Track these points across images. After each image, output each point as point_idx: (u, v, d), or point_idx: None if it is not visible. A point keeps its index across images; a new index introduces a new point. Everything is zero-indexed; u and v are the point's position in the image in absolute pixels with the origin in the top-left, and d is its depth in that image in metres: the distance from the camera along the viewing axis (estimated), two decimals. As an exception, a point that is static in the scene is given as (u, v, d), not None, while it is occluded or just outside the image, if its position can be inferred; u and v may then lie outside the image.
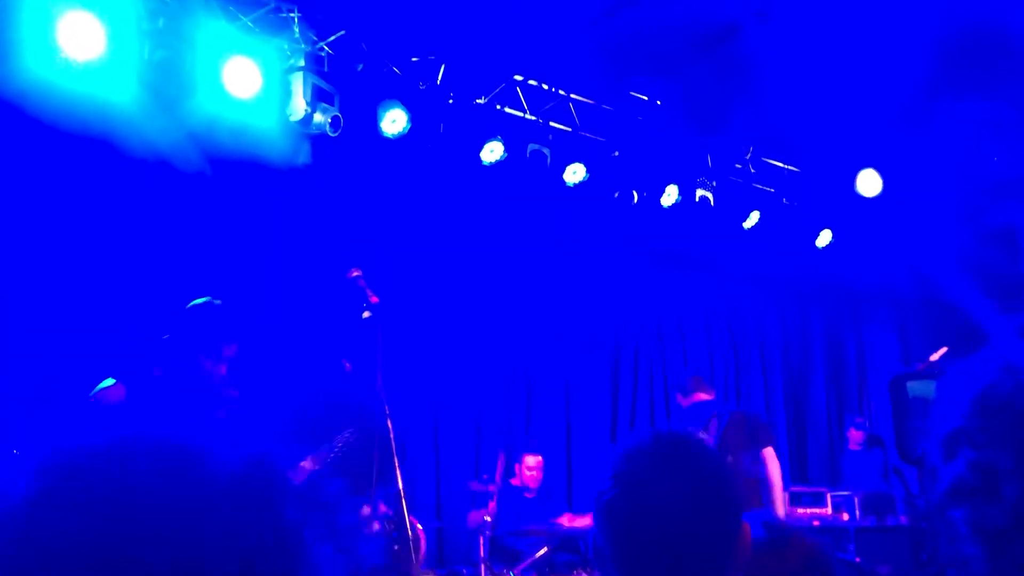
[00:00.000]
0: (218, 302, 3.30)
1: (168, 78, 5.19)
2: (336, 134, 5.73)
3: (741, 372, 9.21)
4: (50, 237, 5.35)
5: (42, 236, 5.31)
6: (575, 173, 7.12)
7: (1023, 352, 0.93)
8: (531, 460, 6.88)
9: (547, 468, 7.01)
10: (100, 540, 0.61)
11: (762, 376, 9.25)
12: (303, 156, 5.86)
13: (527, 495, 6.77)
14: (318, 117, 5.78)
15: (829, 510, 7.41)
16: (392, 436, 3.78)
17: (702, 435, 4.71)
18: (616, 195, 7.31)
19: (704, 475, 1.40)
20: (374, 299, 4.01)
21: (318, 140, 6.05)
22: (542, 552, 6.04)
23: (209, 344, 3.23)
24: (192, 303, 3.29)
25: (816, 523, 7.29)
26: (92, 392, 3.06)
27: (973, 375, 0.94)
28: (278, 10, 5.64)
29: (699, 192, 7.58)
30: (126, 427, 0.68)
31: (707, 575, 1.38)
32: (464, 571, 5.73)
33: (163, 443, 0.67)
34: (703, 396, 6.40)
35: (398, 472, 3.70)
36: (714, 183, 7.65)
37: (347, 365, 5.50)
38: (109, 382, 3.06)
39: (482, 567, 5.54)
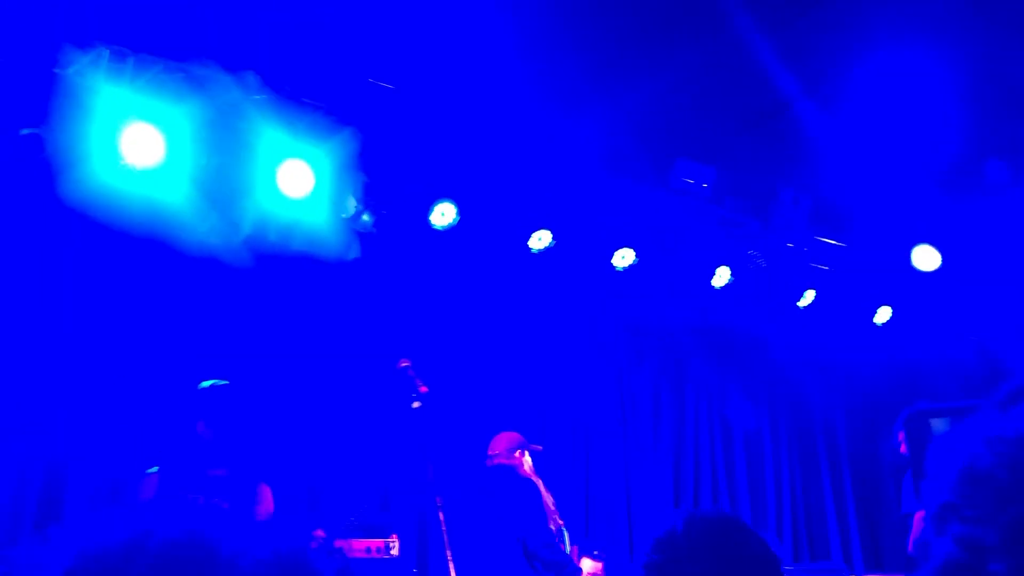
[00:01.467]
0: (225, 382, 3.36)
1: (222, 182, 5.42)
2: (382, 230, 5.86)
3: (805, 453, 8.90)
4: (106, 334, 5.51)
5: (97, 332, 5.48)
6: (624, 258, 7.14)
7: (1004, 423, 0.89)
8: (589, 565, 6.18)
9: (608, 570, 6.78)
10: None
11: (827, 459, 8.95)
12: (353, 251, 5.98)
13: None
14: (364, 216, 5.97)
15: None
16: (444, 528, 3.72)
17: None
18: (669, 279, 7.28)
19: (739, 559, 1.34)
20: (423, 388, 4.01)
21: (368, 235, 6.19)
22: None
23: (216, 422, 3.26)
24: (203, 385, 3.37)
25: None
26: (146, 474, 3.14)
27: (959, 447, 0.90)
28: (330, 114, 5.85)
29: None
30: (151, 525, 0.68)
31: None
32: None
33: (191, 542, 0.66)
34: None
35: (451, 565, 3.63)
36: (764, 263, 7.58)
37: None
38: (154, 469, 3.14)
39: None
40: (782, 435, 8.77)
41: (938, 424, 1.46)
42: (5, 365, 5.09)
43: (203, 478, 3.26)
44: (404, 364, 4.09)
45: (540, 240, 6.80)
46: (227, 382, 3.36)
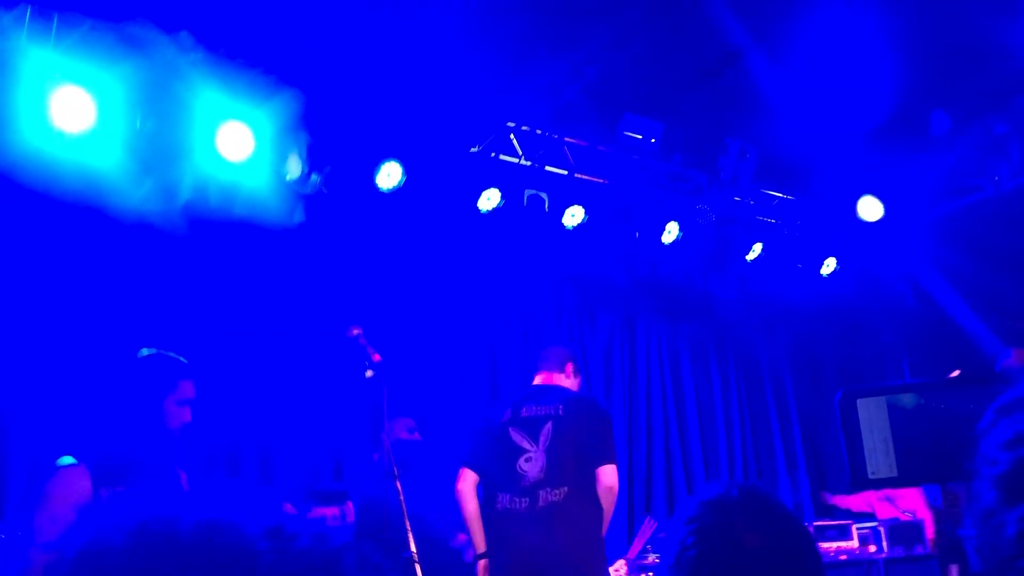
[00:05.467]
0: (168, 352, 3.22)
1: (157, 146, 5.24)
2: (329, 192, 5.73)
3: (754, 403, 9.07)
4: (41, 301, 5.32)
5: (31, 300, 5.30)
6: (574, 216, 7.11)
7: None
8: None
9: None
10: None
11: (776, 407, 9.12)
12: (298, 216, 5.85)
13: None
14: (312, 177, 5.82)
15: (856, 543, 7.24)
16: (402, 498, 3.69)
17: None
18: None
19: (788, 536, 1.31)
20: (376, 357, 3.95)
21: (312, 198, 6.05)
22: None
23: (162, 390, 3.13)
24: (140, 354, 3.22)
25: (844, 557, 7.12)
26: (56, 465, 2.97)
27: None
28: (269, 74, 5.66)
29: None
30: (174, 511, 0.65)
31: None
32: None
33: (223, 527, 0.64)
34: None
35: (410, 536, 3.60)
36: (714, 217, 7.61)
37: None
38: (68, 460, 2.97)
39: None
40: (731, 386, 8.90)
41: (867, 404, 1.51)
42: None
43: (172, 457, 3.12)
44: (355, 332, 4.02)
45: (488, 200, 6.73)
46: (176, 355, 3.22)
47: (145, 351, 3.27)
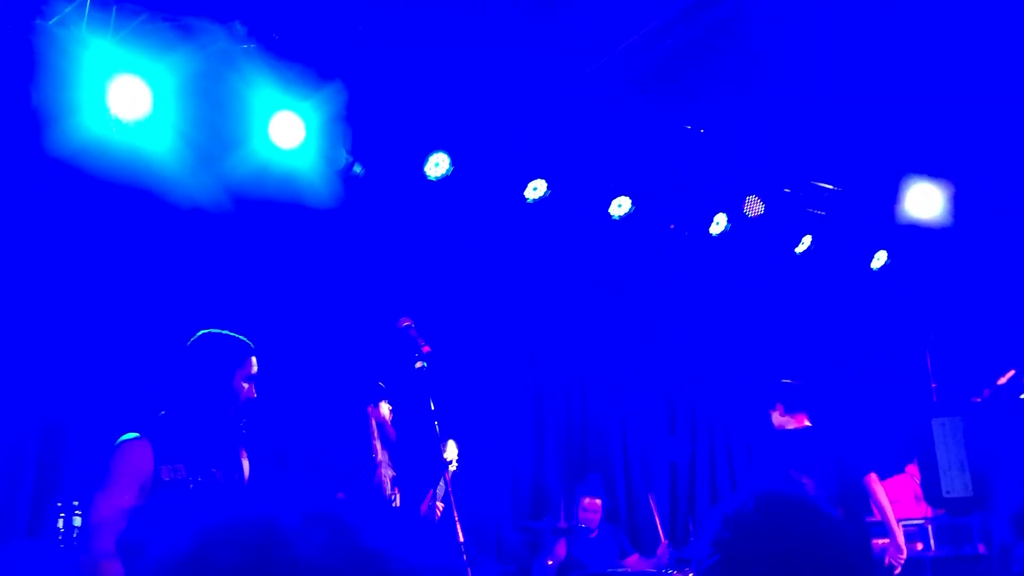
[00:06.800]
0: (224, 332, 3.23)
1: (211, 133, 5.33)
2: (376, 181, 5.77)
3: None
4: (99, 282, 5.44)
5: (91, 281, 5.41)
6: (620, 206, 7.07)
7: None
8: (589, 502, 6.77)
9: (606, 508, 6.90)
10: None
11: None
12: (344, 203, 5.89)
13: (591, 535, 6.66)
14: (356, 167, 5.89)
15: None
16: (450, 488, 3.71)
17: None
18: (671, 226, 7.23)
19: (813, 540, 1.30)
20: (426, 348, 3.97)
21: (361, 186, 6.09)
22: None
23: (232, 366, 3.14)
24: (199, 335, 3.23)
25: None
26: (117, 442, 2.99)
27: None
28: (319, 64, 5.70)
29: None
30: (278, 505, 0.63)
31: None
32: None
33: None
34: (804, 421, 5.50)
35: (458, 524, 3.63)
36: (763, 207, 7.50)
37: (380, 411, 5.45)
38: (132, 435, 2.98)
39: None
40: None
41: (940, 424, 1.50)
42: None
43: (233, 443, 3.13)
44: (406, 323, 4.05)
45: (535, 190, 6.72)
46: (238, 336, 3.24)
47: (205, 332, 3.29)
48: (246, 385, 3.15)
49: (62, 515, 4.57)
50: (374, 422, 5.48)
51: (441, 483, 4.21)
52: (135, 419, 3.31)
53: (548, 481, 7.26)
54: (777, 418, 5.57)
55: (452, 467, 5.51)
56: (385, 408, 5.62)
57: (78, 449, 5.14)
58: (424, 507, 5.55)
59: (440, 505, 5.55)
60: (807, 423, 5.52)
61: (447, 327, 6.56)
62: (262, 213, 5.77)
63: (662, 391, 8.15)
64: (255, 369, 3.18)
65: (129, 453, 2.98)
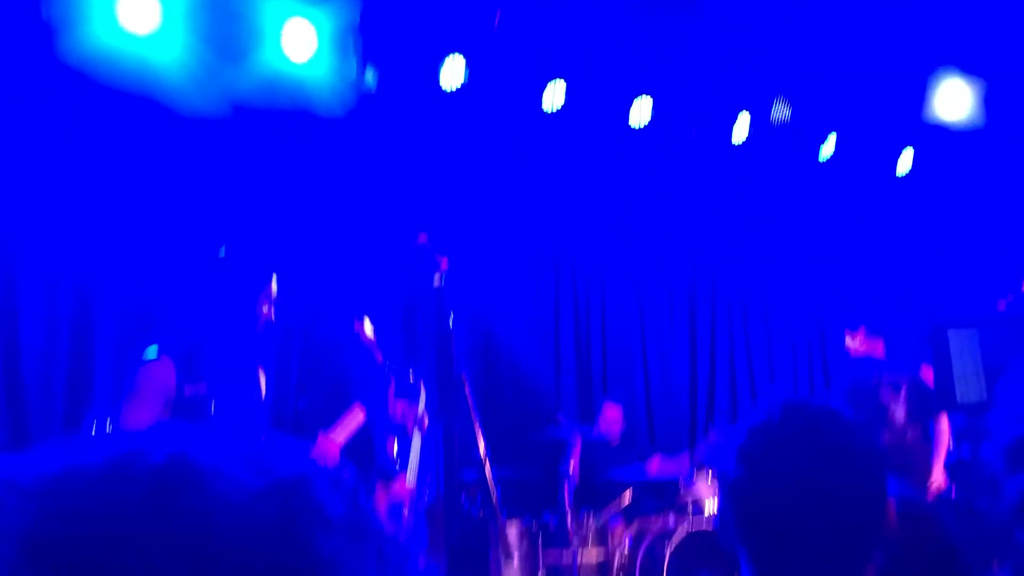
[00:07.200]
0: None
1: (221, 43, 5.25)
2: (391, 91, 5.64)
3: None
4: (113, 194, 5.44)
5: (105, 193, 5.41)
6: (642, 107, 6.90)
7: None
8: (611, 411, 6.84)
9: (627, 414, 6.98)
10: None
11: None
12: (357, 114, 5.78)
13: (612, 444, 6.75)
14: (368, 75, 5.77)
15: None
16: (472, 406, 3.74)
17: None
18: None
19: (841, 452, 1.27)
20: (444, 264, 3.95)
21: (375, 97, 5.98)
22: (627, 496, 6.06)
23: (255, 286, 3.14)
24: (223, 254, 3.22)
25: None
26: (142, 361, 3.02)
27: None
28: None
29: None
30: (137, 447, 0.56)
31: (846, 560, 1.26)
32: (549, 519, 5.74)
33: (168, 466, 0.55)
34: (877, 347, 5.34)
35: (480, 440, 3.67)
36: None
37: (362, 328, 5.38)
38: (153, 352, 3.01)
39: (568, 514, 5.56)
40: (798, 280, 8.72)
41: (957, 336, 1.48)
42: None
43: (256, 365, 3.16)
44: (423, 239, 4.01)
45: (554, 94, 6.54)
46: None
47: (225, 249, 3.29)
48: (266, 307, 3.18)
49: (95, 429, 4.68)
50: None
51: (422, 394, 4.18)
52: (160, 333, 3.35)
53: (567, 391, 7.33)
54: (855, 343, 5.48)
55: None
56: (368, 327, 5.58)
57: (105, 359, 5.21)
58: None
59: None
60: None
61: (464, 242, 6.52)
62: (273, 124, 5.70)
63: (685, 302, 8.12)
64: (275, 293, 3.21)
65: (153, 371, 3.06)
